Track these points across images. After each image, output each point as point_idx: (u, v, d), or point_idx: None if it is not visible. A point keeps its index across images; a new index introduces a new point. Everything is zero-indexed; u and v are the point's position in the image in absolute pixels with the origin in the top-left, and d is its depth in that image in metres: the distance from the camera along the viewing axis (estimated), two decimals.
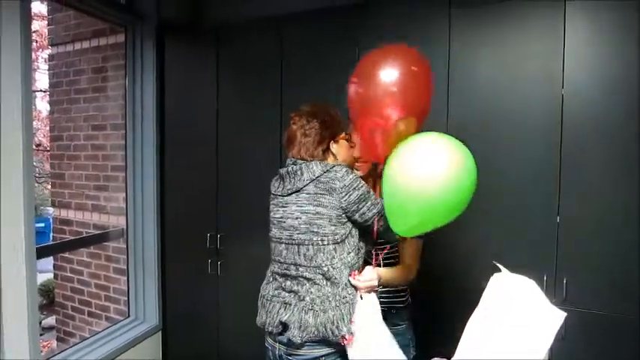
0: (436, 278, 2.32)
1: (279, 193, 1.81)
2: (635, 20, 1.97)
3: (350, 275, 1.71)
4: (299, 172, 1.73)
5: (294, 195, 1.74)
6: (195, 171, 3.04)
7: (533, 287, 1.20)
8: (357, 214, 1.70)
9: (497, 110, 2.23)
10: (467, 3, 2.28)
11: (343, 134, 1.84)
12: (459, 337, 1.33)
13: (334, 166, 1.70)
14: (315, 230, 1.68)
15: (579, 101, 2.08)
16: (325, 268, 1.67)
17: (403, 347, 1.99)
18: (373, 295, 1.74)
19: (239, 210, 2.88)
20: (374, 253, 1.86)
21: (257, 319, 1.82)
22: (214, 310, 3.00)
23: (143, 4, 3.04)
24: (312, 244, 1.68)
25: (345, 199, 1.67)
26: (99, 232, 3.39)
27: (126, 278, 3.34)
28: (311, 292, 1.67)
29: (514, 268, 2.11)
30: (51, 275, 5.82)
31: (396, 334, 1.98)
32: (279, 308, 1.73)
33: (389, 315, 1.98)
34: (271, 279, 1.82)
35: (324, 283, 1.67)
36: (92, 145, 3.53)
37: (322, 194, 1.68)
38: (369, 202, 1.70)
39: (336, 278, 1.66)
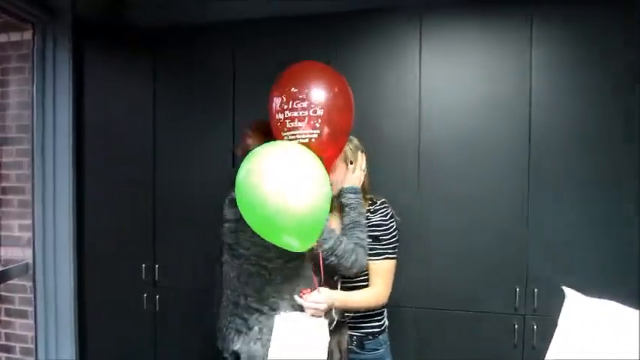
0: (413, 297, 2.31)
1: (231, 217, 1.68)
2: (594, 40, 2.13)
3: (300, 293, 1.61)
4: None
5: (244, 221, 1.50)
6: (126, 193, 2.66)
7: (620, 308, 1.17)
8: None
9: (466, 126, 2.27)
10: (437, 20, 2.30)
11: None
12: None
13: None
14: (264, 264, 1.59)
15: (546, 114, 2.18)
16: (272, 300, 1.59)
17: None
18: (321, 320, 1.61)
19: (181, 237, 2.57)
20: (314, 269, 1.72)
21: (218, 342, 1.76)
22: (151, 352, 2.64)
23: None
24: (260, 277, 1.60)
25: None
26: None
27: (22, 321, 2.83)
28: (259, 322, 1.60)
29: (489, 280, 2.22)
30: None
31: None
32: (233, 336, 1.65)
33: (366, 341, 1.91)
34: (225, 303, 1.74)
35: (272, 313, 1.59)
36: None
37: None
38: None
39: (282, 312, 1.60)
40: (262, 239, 1.48)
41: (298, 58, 2.38)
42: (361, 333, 1.89)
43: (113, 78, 2.67)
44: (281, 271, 1.59)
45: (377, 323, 1.91)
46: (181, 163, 2.56)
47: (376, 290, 1.80)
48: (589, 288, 2.04)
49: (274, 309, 1.59)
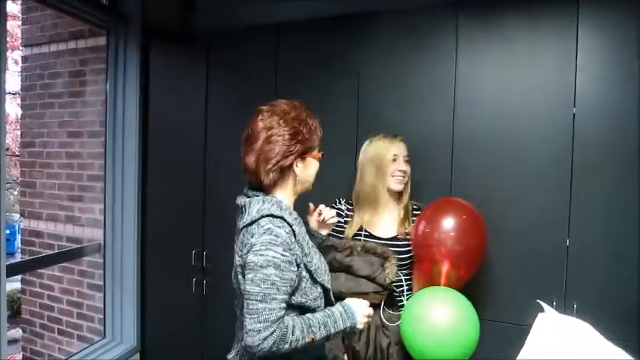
0: None
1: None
2: None
3: None
4: (244, 210, 1.45)
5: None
6: (180, 183, 2.87)
7: (590, 331, 1.09)
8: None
9: (504, 127, 2.16)
10: (475, 16, 2.21)
11: (316, 151, 1.53)
12: None
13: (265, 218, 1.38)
14: (236, 281, 1.47)
15: (591, 120, 2.02)
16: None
17: None
18: None
19: (227, 226, 2.71)
20: None
21: None
22: (198, 332, 2.82)
23: (127, 5, 2.87)
24: (235, 293, 1.51)
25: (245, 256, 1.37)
26: (75, 246, 3.18)
27: (101, 295, 3.15)
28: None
29: (524, 293, 2.08)
30: (13, 285, 5.56)
31: None
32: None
33: None
34: None
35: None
36: (67, 153, 3.33)
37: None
38: (254, 275, 1.33)
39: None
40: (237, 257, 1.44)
41: (333, 57, 2.46)
42: None
43: (173, 77, 2.89)
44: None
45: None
46: (229, 156, 2.70)
47: None
48: (631, 302, 1.89)
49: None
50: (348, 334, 1.88)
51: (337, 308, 1.46)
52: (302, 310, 1.44)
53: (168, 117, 2.90)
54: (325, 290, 1.51)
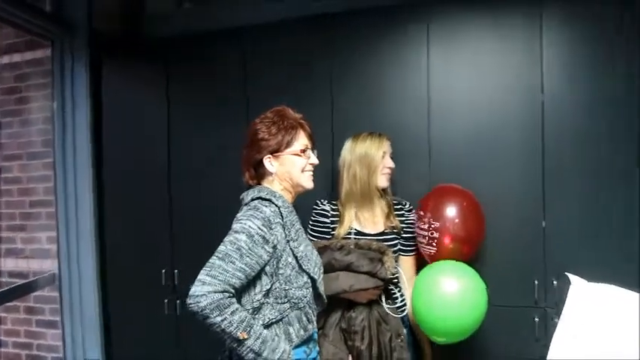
0: None
1: None
2: (608, 28, 2.06)
3: None
4: (242, 201, 1.59)
5: None
6: (143, 202, 2.70)
7: (622, 292, 1.12)
8: None
9: (478, 120, 2.22)
10: (445, 16, 2.26)
11: (299, 147, 1.59)
12: None
13: (254, 200, 1.52)
14: None
15: (559, 106, 2.12)
16: None
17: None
18: None
19: (199, 242, 2.57)
20: None
21: None
22: (175, 355, 2.64)
23: (73, 13, 2.66)
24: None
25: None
26: (21, 281, 2.86)
27: (54, 331, 2.89)
28: None
29: (508, 274, 2.15)
30: None
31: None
32: None
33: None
34: None
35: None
36: (5, 179, 3.03)
37: None
38: (227, 237, 1.43)
39: None
40: None
41: (301, 58, 2.43)
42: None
43: (129, 89, 2.73)
44: None
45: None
46: (195, 169, 2.59)
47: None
48: (607, 277, 2.00)
49: None
50: (351, 335, 1.87)
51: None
52: (288, 300, 1.48)
53: (126, 132, 2.72)
54: (312, 281, 1.55)
